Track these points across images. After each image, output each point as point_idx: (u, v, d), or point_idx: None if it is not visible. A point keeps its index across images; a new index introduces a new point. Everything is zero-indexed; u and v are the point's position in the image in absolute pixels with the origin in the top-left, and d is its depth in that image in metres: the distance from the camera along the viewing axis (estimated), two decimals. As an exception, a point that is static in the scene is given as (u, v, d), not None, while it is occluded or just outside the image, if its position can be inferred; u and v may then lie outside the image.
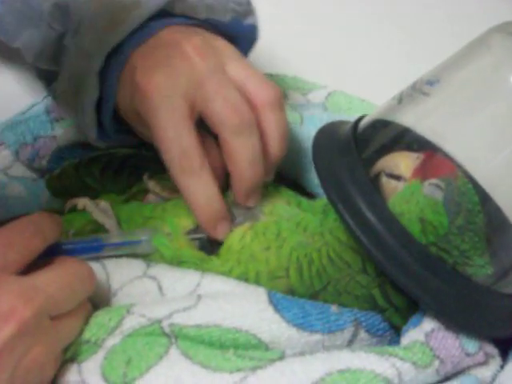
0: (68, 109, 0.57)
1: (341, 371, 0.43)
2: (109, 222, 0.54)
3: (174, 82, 0.50)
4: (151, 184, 0.58)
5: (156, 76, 0.50)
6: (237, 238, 0.51)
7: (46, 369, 0.42)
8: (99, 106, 0.55)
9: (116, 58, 0.53)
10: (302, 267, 0.49)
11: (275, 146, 0.53)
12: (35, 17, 0.56)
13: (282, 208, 0.53)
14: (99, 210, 0.55)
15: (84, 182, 0.59)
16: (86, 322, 0.46)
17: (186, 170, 0.49)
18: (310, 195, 0.58)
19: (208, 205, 0.50)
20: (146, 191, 0.58)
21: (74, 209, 0.58)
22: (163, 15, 0.55)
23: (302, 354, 0.45)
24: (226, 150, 0.50)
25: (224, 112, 0.49)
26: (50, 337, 0.42)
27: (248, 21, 0.58)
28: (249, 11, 0.58)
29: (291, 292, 0.48)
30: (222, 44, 0.54)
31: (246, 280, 0.49)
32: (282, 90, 0.70)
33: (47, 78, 0.58)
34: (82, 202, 0.56)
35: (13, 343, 0.39)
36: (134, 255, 0.51)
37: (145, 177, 0.58)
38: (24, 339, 0.40)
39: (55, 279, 0.43)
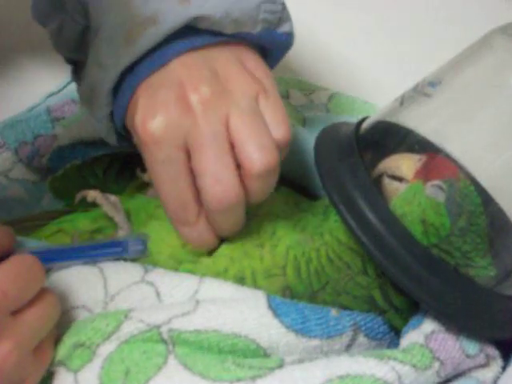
0: (87, 107, 0.56)
1: (341, 377, 0.43)
2: (118, 216, 0.54)
3: (173, 134, 0.48)
4: (146, 176, 0.58)
5: (154, 124, 0.48)
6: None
7: (24, 366, 0.41)
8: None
9: (129, 79, 0.51)
10: (300, 266, 0.49)
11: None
12: (64, 4, 0.54)
13: (279, 208, 0.53)
14: (109, 203, 0.56)
15: (87, 182, 0.60)
16: (84, 325, 0.45)
17: (182, 221, 0.50)
18: (311, 196, 0.58)
19: (202, 247, 0.51)
20: (149, 184, 0.58)
21: (75, 209, 0.58)
22: (186, 31, 0.51)
23: (301, 361, 0.44)
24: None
25: (211, 192, 0.48)
26: (16, 331, 0.41)
27: (283, 28, 0.55)
28: (283, 18, 0.55)
29: (289, 291, 0.48)
30: (250, 65, 0.52)
31: (243, 279, 0.49)
32: (285, 90, 0.70)
33: (74, 63, 0.57)
34: (93, 194, 0.56)
35: None
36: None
37: (137, 170, 0.58)
38: None
39: (4, 274, 0.42)
